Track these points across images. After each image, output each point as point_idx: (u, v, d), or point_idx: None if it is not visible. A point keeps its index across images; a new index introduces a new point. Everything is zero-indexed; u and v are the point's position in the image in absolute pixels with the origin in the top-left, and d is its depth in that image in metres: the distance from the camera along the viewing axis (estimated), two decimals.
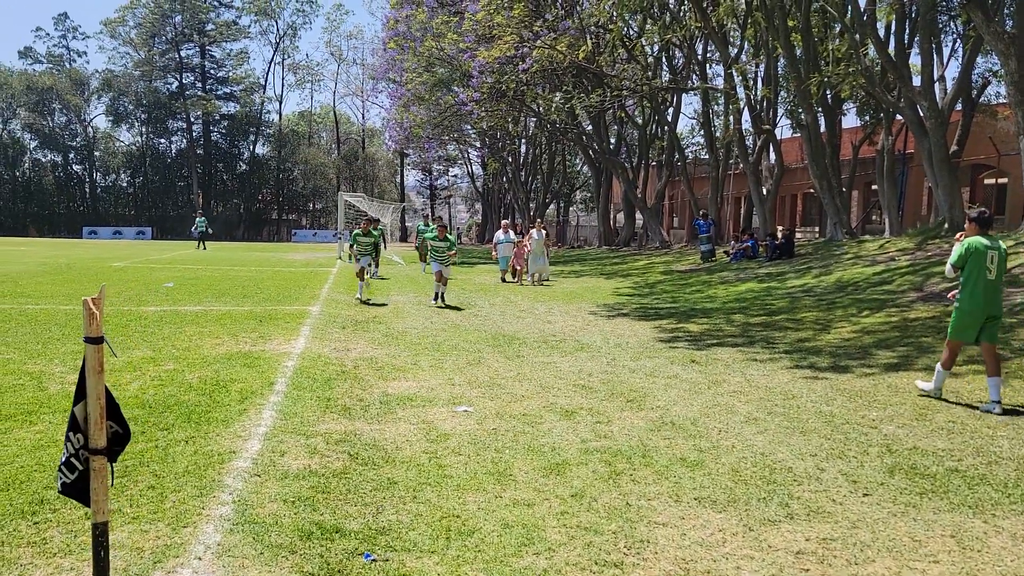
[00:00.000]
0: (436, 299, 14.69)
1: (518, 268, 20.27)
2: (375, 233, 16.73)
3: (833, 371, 8.60)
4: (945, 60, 24.96)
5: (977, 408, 6.85)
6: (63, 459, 2.59)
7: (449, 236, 15.46)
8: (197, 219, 38.60)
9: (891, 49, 20.03)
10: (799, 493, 4.77)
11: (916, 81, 19.53)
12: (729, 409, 6.86)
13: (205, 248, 36.23)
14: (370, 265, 16.90)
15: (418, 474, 5.05)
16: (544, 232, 20.94)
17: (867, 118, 28.44)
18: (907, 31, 21.28)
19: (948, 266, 7.22)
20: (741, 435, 6.03)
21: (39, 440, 5.36)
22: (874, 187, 34.06)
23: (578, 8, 28.42)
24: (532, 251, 19.67)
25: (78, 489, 2.59)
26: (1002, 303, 7.25)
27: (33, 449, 5.16)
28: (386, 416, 6.47)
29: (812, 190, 37.72)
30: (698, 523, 4.31)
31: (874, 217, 32.96)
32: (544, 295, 17.01)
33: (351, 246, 15.59)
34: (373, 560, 3.77)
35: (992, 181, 31.55)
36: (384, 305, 14.51)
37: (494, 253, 21.21)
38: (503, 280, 20.36)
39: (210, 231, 38.24)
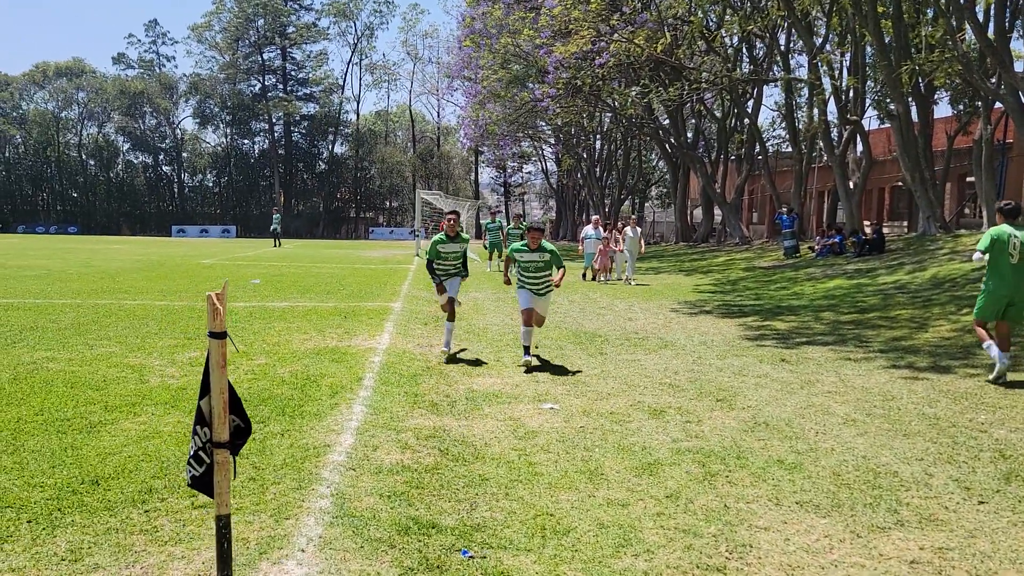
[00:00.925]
0: (527, 355, 8.46)
1: (596, 267, 19.66)
2: (465, 237, 9.54)
3: (934, 371, 8.21)
4: None
5: None
6: (191, 452, 2.65)
7: (547, 245, 8.69)
8: (274, 216, 39.53)
9: (990, 33, 19.04)
10: (908, 499, 4.55)
11: (1018, 67, 18.51)
12: (825, 410, 6.62)
13: (279, 245, 36.75)
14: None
15: (509, 471, 5.03)
16: (639, 230, 20.01)
17: (961, 107, 27.15)
18: (1007, 14, 20.18)
19: (976, 252, 7.85)
20: (840, 437, 5.81)
21: (143, 431, 5.56)
22: (969, 179, 32.53)
23: (656, 1, 28.00)
24: (628, 249, 18.87)
25: (205, 482, 2.65)
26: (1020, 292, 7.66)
27: (139, 439, 5.35)
28: (473, 412, 6.48)
29: (900, 183, 36.29)
30: (801, 528, 4.15)
31: (966, 211, 31.47)
32: (623, 292, 16.82)
33: (430, 261, 9.12)
34: (471, 557, 3.76)
35: None
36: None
37: (581, 248, 20.41)
38: (584, 278, 19.83)
39: (279, 229, 38.89)
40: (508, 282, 9.54)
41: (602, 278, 19.41)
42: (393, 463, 5.05)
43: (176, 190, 73.12)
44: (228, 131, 71.60)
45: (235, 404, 2.65)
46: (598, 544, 3.94)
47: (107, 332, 9.76)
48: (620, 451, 5.47)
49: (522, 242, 8.78)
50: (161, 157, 72.04)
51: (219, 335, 2.59)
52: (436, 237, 9.17)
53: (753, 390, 7.36)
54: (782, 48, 29.20)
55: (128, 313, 11.53)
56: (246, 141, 72.52)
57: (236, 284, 16.46)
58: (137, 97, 67.58)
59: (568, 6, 24.87)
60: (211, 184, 74.69)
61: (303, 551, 3.66)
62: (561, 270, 8.72)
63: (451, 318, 9.08)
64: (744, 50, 32.47)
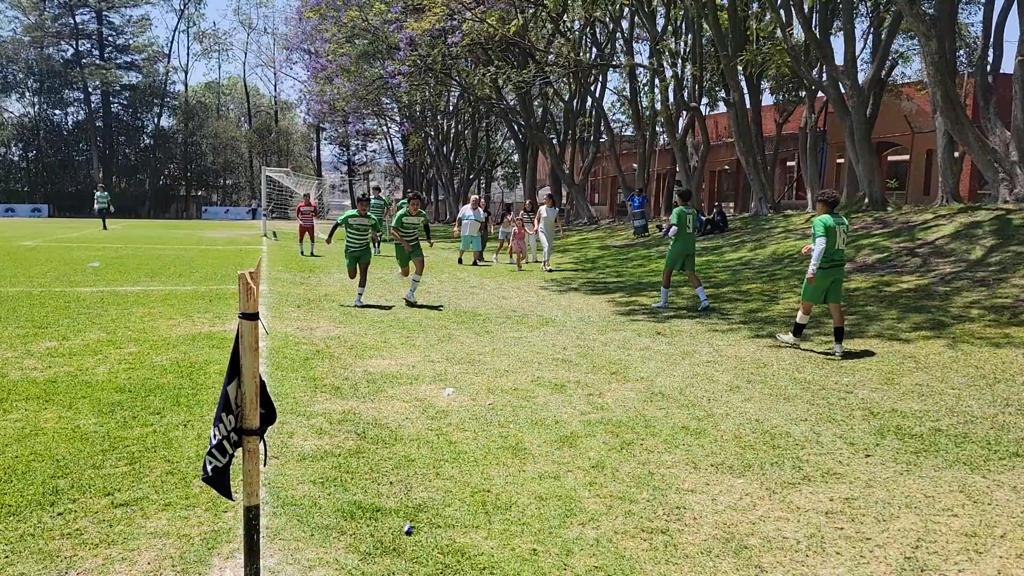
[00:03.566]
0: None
1: (516, 251, 17.92)
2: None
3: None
4: (857, 42, 26.00)
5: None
6: (213, 442, 2.45)
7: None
8: (98, 194, 34.11)
9: (815, 28, 20.74)
10: (806, 456, 4.98)
11: (838, 60, 20.30)
12: (709, 378, 7.06)
13: (105, 227, 32.15)
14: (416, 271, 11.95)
15: (432, 451, 5.02)
16: (556, 210, 18.28)
17: (781, 97, 29.37)
18: (827, 12, 22.08)
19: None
20: (730, 403, 6.23)
21: (22, 429, 5.06)
22: (789, 163, 35.42)
23: None
24: (544, 231, 17.38)
25: (222, 479, 2.46)
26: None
27: (20, 438, 4.87)
28: (377, 394, 6.38)
29: (727, 167, 38.96)
30: (723, 488, 4.45)
31: (784, 191, 34.26)
32: (488, 271, 17.00)
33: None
34: (412, 527, 3.78)
35: (896, 158, 33.32)
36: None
37: (456, 230, 18.95)
38: (460, 261, 18.55)
39: (111, 208, 33.70)
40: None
41: (520, 266, 17.67)
42: (314, 449, 4.90)
43: None
44: (36, 100, 64.93)
45: (260, 389, 2.49)
46: (542, 516, 4.04)
47: None
48: (535, 426, 5.59)
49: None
50: None
51: (251, 316, 2.42)
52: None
53: (640, 362, 7.72)
54: (626, 35, 30.33)
55: None
56: (57, 112, 66.01)
57: (72, 267, 15.12)
58: None
59: None
60: (17, 158, 67.54)
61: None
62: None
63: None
64: (587, 35, 33.43)
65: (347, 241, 11.62)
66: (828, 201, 8.43)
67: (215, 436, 2.46)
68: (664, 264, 11.67)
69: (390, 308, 11.16)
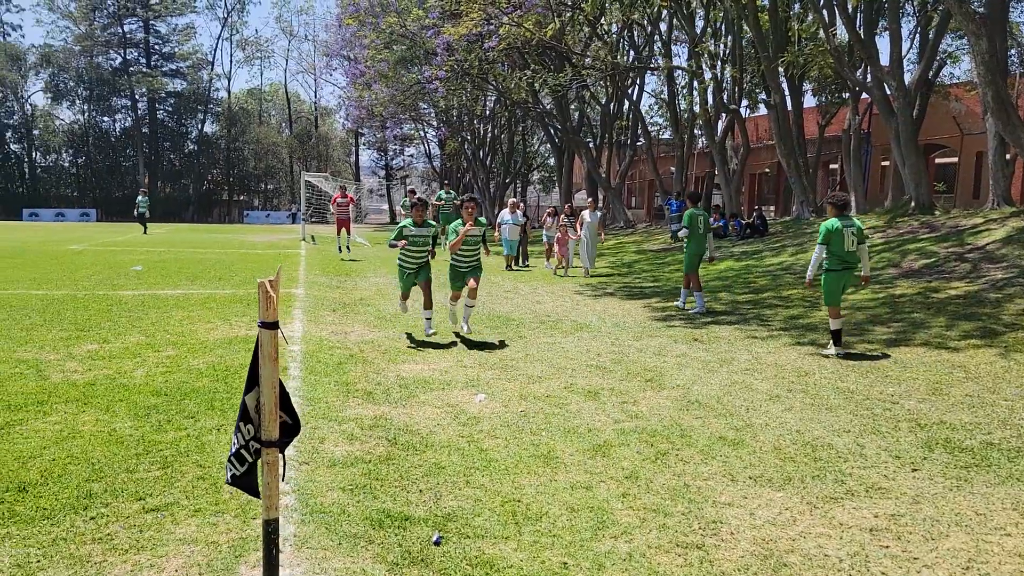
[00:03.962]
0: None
1: (561, 257, 17.06)
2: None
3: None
4: (904, 43, 25.43)
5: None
6: (232, 451, 2.42)
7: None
8: (139, 199, 33.83)
9: (858, 28, 20.31)
10: (849, 470, 4.81)
11: (883, 61, 19.86)
12: (748, 387, 6.90)
13: (146, 231, 31.80)
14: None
15: (462, 458, 4.95)
16: (598, 214, 17.68)
17: (823, 99, 28.83)
18: (872, 12, 21.61)
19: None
20: (770, 413, 6.07)
21: (61, 432, 5.12)
22: (832, 166, 34.76)
23: None
24: (587, 236, 16.68)
25: (247, 481, 2.44)
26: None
27: (58, 441, 4.92)
28: (409, 400, 6.34)
29: (767, 170, 38.37)
30: (762, 502, 4.31)
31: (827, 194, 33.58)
32: (523, 276, 16.92)
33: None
34: (441, 538, 3.72)
35: (943, 160, 32.50)
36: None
37: (496, 235, 18.40)
38: (508, 267, 17.95)
39: (146, 213, 33.28)
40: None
41: (561, 272, 16.96)
42: (345, 455, 4.87)
43: (27, 170, 67.40)
44: (85, 108, 66.51)
45: (283, 399, 2.45)
46: (573, 528, 3.95)
47: None
48: (567, 434, 5.50)
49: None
50: (9, 135, 66.16)
51: (271, 325, 2.38)
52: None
53: (676, 370, 7.58)
54: (664, 37, 30.07)
55: (2, 303, 10.57)
56: (106, 119, 67.63)
57: (116, 271, 15.40)
58: None
59: None
60: (67, 164, 69.27)
61: (280, 551, 3.46)
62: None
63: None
64: (625, 38, 33.22)
65: (400, 259, 9.23)
66: (837, 204, 8.58)
67: (234, 444, 2.43)
68: (683, 269, 11.84)
69: (454, 344, 8.83)
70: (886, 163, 29.60)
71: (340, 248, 20.65)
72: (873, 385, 6.97)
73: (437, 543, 3.70)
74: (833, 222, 8.37)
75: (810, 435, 5.49)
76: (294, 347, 8.07)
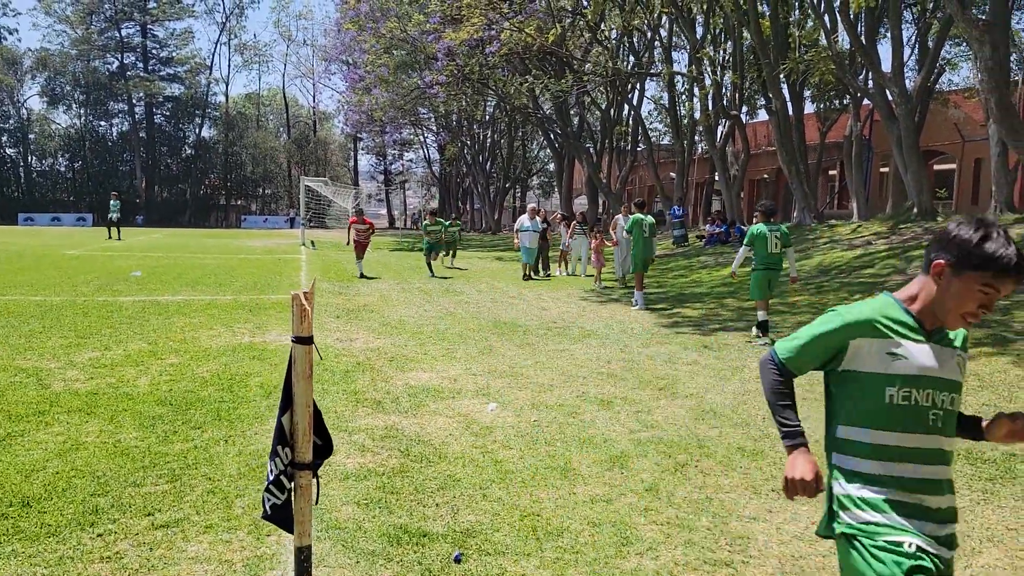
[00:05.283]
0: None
1: (596, 266, 16.40)
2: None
3: None
4: (904, 49, 25.43)
5: None
6: (270, 478, 2.28)
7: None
8: (112, 203, 31.35)
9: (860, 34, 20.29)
10: None
11: (884, 67, 19.83)
12: (761, 395, 6.77)
13: (120, 238, 29.74)
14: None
15: (477, 471, 4.83)
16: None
17: (822, 105, 28.80)
18: (873, 18, 21.58)
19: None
20: None
21: (64, 443, 4.99)
22: (832, 172, 34.75)
23: None
24: (622, 243, 15.65)
25: (285, 515, 2.30)
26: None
27: (61, 453, 4.79)
28: (419, 409, 6.22)
29: (767, 176, 38.35)
30: (787, 516, 4.20)
31: (827, 201, 33.60)
32: (528, 282, 16.80)
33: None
34: (461, 555, 3.60)
35: (941, 167, 32.50)
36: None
37: (516, 242, 17.36)
38: (525, 277, 16.96)
39: (115, 217, 30.87)
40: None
41: (596, 284, 16.04)
42: (357, 467, 4.75)
43: (22, 175, 67.15)
44: (82, 112, 66.34)
45: (316, 419, 2.33)
46: (596, 544, 3.83)
47: None
48: (583, 444, 5.38)
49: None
50: (4, 139, 65.91)
51: (305, 340, 2.26)
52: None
53: (689, 378, 7.47)
54: (664, 43, 30.04)
55: (0, 310, 10.43)
56: (103, 123, 67.46)
57: (114, 276, 15.26)
58: None
59: None
60: (63, 169, 69.04)
61: None
62: None
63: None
64: (626, 44, 33.20)
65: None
66: (764, 211, 9.68)
67: (272, 471, 2.28)
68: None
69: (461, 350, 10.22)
70: (885, 169, 29.58)
71: (361, 274, 19.70)
72: None
73: (458, 560, 3.58)
74: (759, 227, 9.40)
75: None
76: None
